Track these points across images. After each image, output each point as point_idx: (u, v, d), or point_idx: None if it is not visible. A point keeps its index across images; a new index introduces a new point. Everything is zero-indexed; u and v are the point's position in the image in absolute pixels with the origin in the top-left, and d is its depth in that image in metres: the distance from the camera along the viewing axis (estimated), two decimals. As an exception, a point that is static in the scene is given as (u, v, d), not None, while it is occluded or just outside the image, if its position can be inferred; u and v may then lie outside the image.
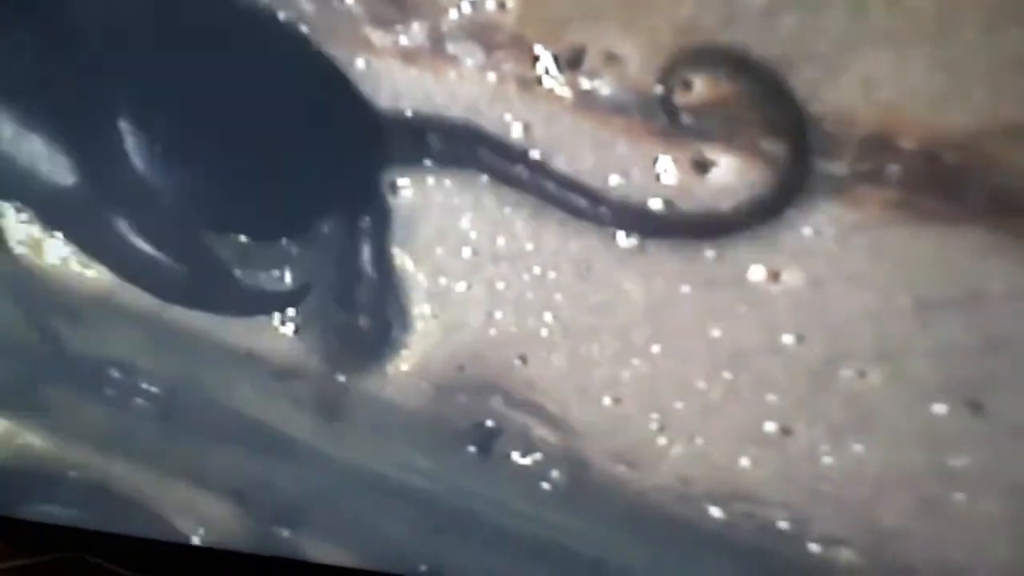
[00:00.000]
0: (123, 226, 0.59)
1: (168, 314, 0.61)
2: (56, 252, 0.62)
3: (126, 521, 0.66)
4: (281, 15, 0.53)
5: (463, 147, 0.52)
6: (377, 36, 0.52)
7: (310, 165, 0.56)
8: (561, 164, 0.51)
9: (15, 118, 0.59)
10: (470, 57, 0.51)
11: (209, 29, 0.56)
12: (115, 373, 0.63)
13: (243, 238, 0.58)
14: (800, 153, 0.46)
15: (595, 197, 0.50)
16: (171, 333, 0.61)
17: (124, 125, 0.57)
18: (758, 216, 0.47)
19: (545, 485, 0.56)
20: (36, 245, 0.62)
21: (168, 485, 0.64)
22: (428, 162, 0.53)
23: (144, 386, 0.63)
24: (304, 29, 0.53)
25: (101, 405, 0.64)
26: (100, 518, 0.66)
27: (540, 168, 0.51)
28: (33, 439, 0.66)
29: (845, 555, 0.50)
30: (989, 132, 0.43)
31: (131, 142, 0.57)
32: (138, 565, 0.66)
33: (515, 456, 0.56)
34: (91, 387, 0.64)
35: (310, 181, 0.56)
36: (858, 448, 0.49)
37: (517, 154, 0.51)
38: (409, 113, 0.52)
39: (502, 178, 0.52)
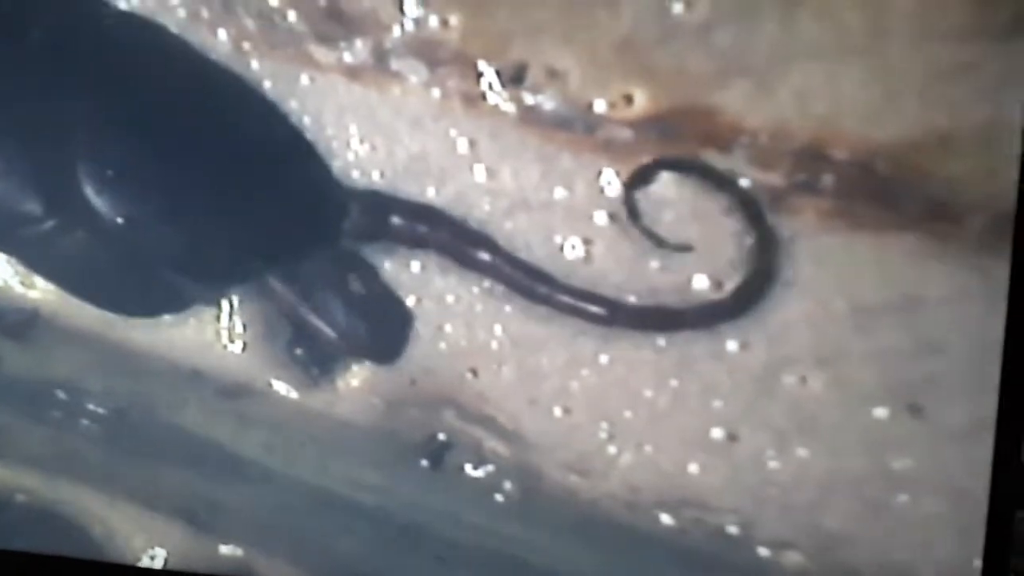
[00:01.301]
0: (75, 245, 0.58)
1: (114, 333, 0.60)
2: (-2, 273, 0.61)
3: (72, 545, 0.65)
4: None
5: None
6: (321, 53, 0.52)
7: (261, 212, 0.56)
8: (506, 178, 0.51)
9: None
10: (414, 74, 0.51)
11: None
12: (60, 394, 0.62)
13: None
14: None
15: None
16: (117, 352, 0.60)
17: (77, 149, 0.56)
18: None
19: (498, 497, 0.56)
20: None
21: (116, 507, 0.63)
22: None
23: (90, 407, 0.62)
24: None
25: (46, 427, 0.63)
26: (46, 542, 0.65)
27: (485, 182, 0.51)
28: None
29: (793, 558, 0.51)
30: (920, 143, 0.44)
31: (85, 170, 0.56)
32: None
33: (468, 469, 0.56)
34: (36, 409, 0.63)
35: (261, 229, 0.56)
36: (802, 452, 0.49)
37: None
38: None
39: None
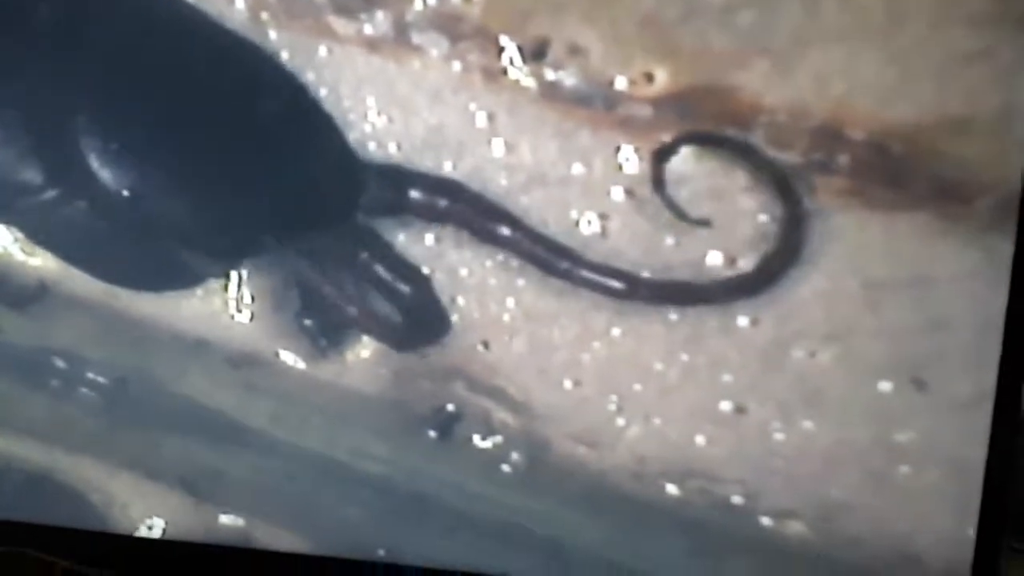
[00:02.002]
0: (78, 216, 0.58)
1: (118, 302, 0.60)
2: (-1, 240, 0.60)
3: (71, 514, 0.64)
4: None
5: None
6: (340, 24, 0.53)
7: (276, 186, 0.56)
8: (524, 153, 0.52)
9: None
10: (435, 47, 0.52)
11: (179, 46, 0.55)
12: (60, 362, 0.62)
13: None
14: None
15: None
16: (120, 321, 0.60)
17: (83, 123, 0.56)
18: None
19: (505, 467, 0.57)
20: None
21: (115, 476, 0.63)
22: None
23: (91, 375, 0.61)
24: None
25: (45, 396, 0.62)
26: (43, 512, 0.65)
27: (504, 156, 0.52)
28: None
29: (795, 527, 0.53)
30: (935, 125, 0.46)
31: (89, 142, 0.56)
32: (84, 557, 0.65)
33: (476, 440, 0.57)
34: (34, 378, 0.62)
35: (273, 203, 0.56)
36: (808, 425, 0.51)
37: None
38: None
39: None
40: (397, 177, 0.54)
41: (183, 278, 0.58)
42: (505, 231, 0.53)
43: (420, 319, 0.55)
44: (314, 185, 0.56)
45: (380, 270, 0.55)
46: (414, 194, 0.54)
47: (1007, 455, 0.49)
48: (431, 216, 0.54)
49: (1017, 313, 0.48)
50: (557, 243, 0.52)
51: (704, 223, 0.49)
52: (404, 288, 0.55)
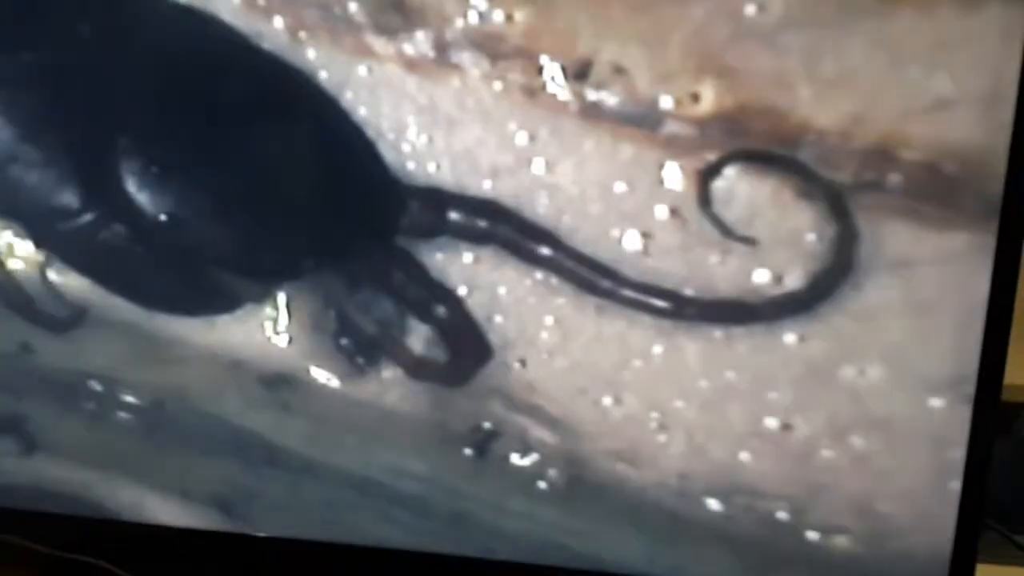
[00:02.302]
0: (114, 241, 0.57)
1: (152, 322, 0.59)
2: (33, 261, 0.59)
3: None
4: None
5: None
6: (380, 44, 0.52)
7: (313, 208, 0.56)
8: (566, 171, 0.52)
9: (9, 134, 0.57)
10: (475, 66, 0.51)
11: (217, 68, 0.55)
12: (96, 385, 0.61)
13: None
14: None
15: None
16: (155, 341, 0.59)
17: (122, 146, 0.55)
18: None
19: (542, 484, 0.57)
20: (10, 251, 0.59)
21: (149, 497, 0.63)
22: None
23: (127, 397, 0.61)
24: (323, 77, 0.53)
25: (81, 417, 0.62)
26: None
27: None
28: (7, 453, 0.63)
29: (842, 542, 0.53)
30: (981, 143, 0.46)
31: (128, 166, 0.56)
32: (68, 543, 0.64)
33: (513, 457, 0.57)
34: (71, 400, 0.62)
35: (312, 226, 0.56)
36: (856, 441, 0.51)
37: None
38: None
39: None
40: (437, 199, 0.53)
41: (221, 302, 0.58)
42: (546, 251, 0.53)
43: (462, 352, 0.55)
44: (353, 207, 0.55)
45: (417, 292, 0.55)
46: (454, 216, 0.53)
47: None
48: (470, 237, 0.54)
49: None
50: (600, 263, 0.52)
51: (750, 241, 0.49)
52: (441, 312, 0.55)
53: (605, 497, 0.56)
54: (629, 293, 0.52)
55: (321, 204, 0.56)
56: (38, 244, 0.59)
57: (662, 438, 0.55)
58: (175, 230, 0.57)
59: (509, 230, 0.53)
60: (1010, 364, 0.49)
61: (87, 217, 0.57)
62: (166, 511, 0.63)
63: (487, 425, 0.57)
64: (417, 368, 0.56)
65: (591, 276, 0.52)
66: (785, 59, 0.47)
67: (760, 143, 0.49)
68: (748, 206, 0.50)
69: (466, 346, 0.55)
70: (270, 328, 0.58)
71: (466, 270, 0.54)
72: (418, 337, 0.56)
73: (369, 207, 0.55)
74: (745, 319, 0.50)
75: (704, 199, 0.50)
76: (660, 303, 0.51)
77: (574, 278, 0.53)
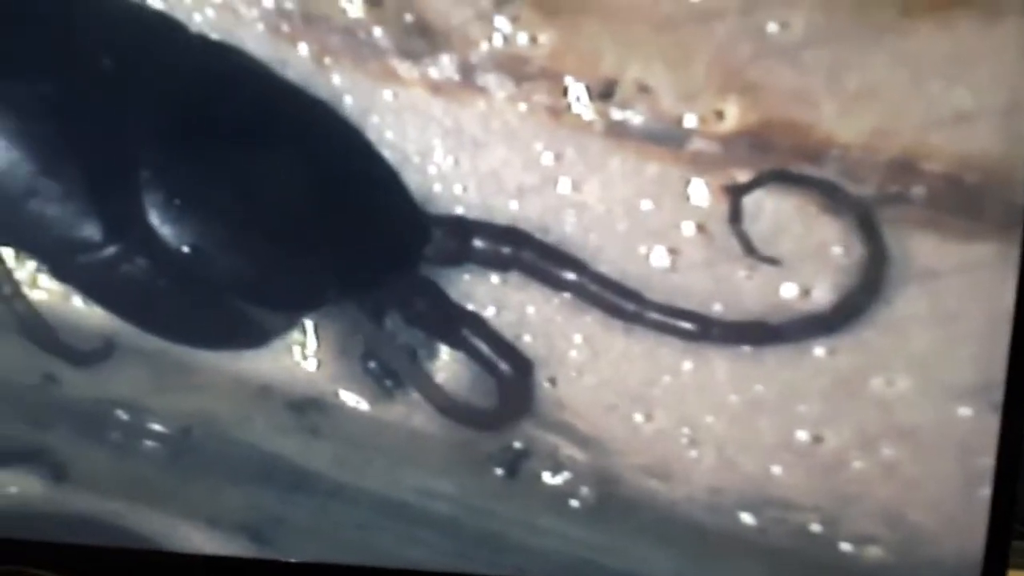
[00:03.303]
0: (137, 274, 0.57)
1: (177, 348, 0.59)
2: (57, 290, 0.59)
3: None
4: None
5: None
6: (405, 68, 0.53)
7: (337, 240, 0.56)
8: (592, 191, 0.52)
9: (29, 166, 0.57)
10: (501, 89, 0.52)
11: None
12: (122, 413, 0.61)
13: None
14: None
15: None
16: (182, 370, 0.60)
17: (144, 179, 0.56)
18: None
19: (574, 503, 0.57)
20: (34, 283, 0.60)
21: (180, 526, 0.63)
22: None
23: (153, 426, 0.61)
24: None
25: (108, 447, 0.62)
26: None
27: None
28: (34, 484, 0.63)
29: (875, 552, 0.53)
30: (1003, 154, 0.47)
31: (150, 198, 0.56)
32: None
33: (544, 476, 0.57)
34: (97, 430, 0.62)
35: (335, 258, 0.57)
36: (887, 452, 0.52)
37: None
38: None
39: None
40: (461, 226, 0.54)
41: (245, 338, 0.58)
42: (572, 276, 0.53)
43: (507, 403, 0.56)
44: (378, 236, 0.56)
45: (445, 321, 0.55)
46: (479, 244, 0.54)
47: None
48: (496, 264, 0.54)
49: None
50: (627, 287, 0.52)
51: (775, 261, 0.50)
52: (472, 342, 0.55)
53: (637, 513, 0.57)
54: (656, 316, 0.52)
55: (346, 232, 0.56)
56: (60, 277, 0.59)
57: (693, 453, 0.55)
58: (198, 262, 0.57)
59: (534, 255, 0.53)
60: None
61: (109, 250, 0.57)
62: (194, 539, 0.62)
63: (517, 445, 0.58)
64: (448, 408, 0.56)
65: (618, 300, 0.53)
66: (808, 75, 0.48)
67: (784, 159, 0.49)
68: (774, 223, 0.50)
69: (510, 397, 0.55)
70: (298, 353, 0.58)
71: (494, 290, 0.55)
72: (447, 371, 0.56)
73: (394, 235, 0.55)
74: (773, 338, 0.51)
75: (731, 216, 0.50)
76: (688, 325, 0.52)
77: (601, 301, 0.53)
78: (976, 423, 0.50)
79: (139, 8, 0.54)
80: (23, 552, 0.64)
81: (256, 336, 0.58)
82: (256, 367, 0.59)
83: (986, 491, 0.51)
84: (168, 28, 0.54)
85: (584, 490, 0.57)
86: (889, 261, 0.49)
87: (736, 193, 0.49)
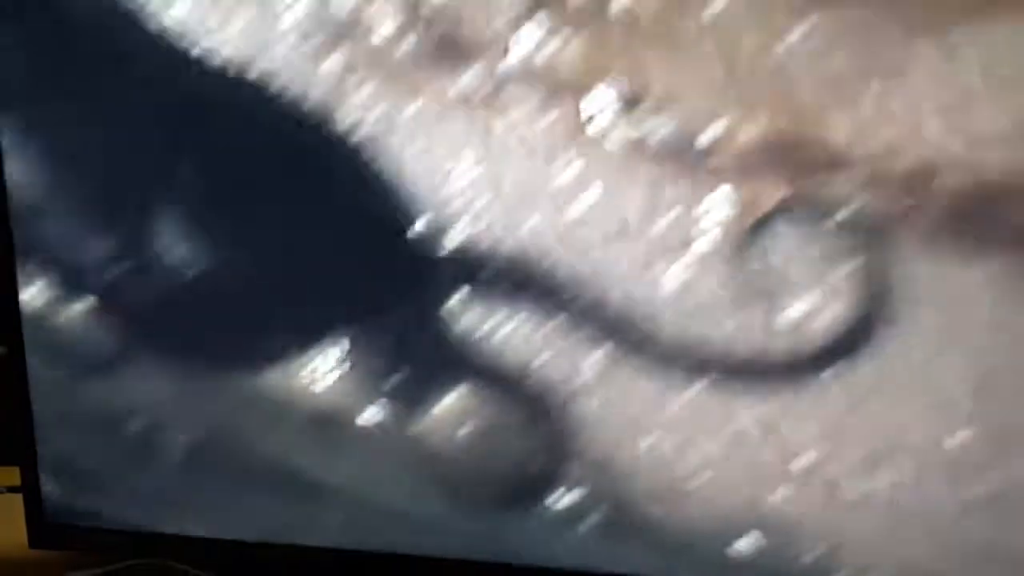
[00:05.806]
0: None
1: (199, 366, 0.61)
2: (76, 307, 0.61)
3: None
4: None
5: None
6: (427, 81, 0.53)
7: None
8: (611, 206, 0.52)
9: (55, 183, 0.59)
10: (522, 104, 0.52)
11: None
12: (142, 423, 0.62)
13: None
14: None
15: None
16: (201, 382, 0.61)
17: (164, 203, 0.58)
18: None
19: (584, 527, 0.57)
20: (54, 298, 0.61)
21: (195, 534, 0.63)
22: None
23: (174, 436, 0.62)
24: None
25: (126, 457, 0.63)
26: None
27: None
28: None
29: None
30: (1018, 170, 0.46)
31: (169, 222, 0.58)
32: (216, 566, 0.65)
33: (555, 499, 0.57)
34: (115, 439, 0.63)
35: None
36: (887, 479, 0.51)
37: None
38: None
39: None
40: (470, 260, 0.55)
41: (261, 360, 0.59)
42: (585, 302, 0.54)
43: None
44: (392, 259, 0.56)
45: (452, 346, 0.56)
46: (494, 264, 0.55)
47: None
48: (506, 298, 0.55)
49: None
50: (637, 326, 0.53)
51: (790, 282, 0.50)
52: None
53: (645, 539, 0.56)
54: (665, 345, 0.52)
55: (355, 261, 0.57)
56: (79, 291, 0.61)
57: (699, 480, 0.54)
58: (213, 286, 0.59)
59: (543, 292, 0.54)
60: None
61: (126, 266, 0.60)
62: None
63: (531, 467, 0.57)
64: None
65: (629, 328, 0.53)
66: (826, 90, 0.48)
67: (803, 173, 0.49)
68: (789, 244, 0.50)
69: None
70: (318, 368, 0.59)
71: (501, 318, 0.55)
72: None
73: (408, 260, 0.56)
74: (781, 365, 0.50)
75: (747, 237, 0.50)
76: (700, 356, 0.52)
77: (614, 333, 0.53)
78: (978, 452, 0.49)
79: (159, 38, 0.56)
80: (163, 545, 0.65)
81: (269, 360, 0.59)
82: (276, 382, 0.59)
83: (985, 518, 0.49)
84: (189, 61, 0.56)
85: (594, 515, 0.57)
86: (899, 271, 0.48)
87: (746, 215, 0.49)
